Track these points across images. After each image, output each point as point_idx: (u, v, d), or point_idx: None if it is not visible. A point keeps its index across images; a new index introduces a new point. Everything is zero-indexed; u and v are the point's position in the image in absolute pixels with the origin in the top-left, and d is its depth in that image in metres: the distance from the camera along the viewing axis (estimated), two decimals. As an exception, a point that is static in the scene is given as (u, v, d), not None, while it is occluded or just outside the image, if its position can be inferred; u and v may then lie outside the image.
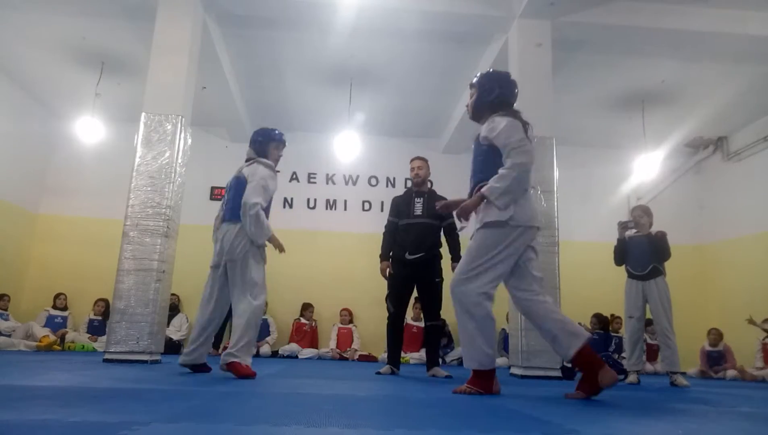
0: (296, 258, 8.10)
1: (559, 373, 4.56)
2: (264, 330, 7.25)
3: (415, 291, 4.43)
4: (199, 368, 3.55)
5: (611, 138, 8.43)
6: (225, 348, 5.39)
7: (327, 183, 8.58)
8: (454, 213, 2.90)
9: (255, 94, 7.55)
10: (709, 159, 8.55)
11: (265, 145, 3.63)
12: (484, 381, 2.62)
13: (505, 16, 5.41)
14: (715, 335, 7.10)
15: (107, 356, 4.32)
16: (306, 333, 7.57)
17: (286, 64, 6.72)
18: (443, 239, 4.41)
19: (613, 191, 8.63)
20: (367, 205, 8.43)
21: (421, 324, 6.04)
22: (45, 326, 6.95)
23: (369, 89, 7.22)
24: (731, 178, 8.20)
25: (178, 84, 4.94)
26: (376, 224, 4.59)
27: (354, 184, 8.59)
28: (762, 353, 6.75)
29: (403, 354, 6.18)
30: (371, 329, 7.53)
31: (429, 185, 4.56)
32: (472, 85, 3.03)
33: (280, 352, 7.27)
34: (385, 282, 4.45)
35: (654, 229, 4.74)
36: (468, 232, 2.91)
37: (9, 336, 6.50)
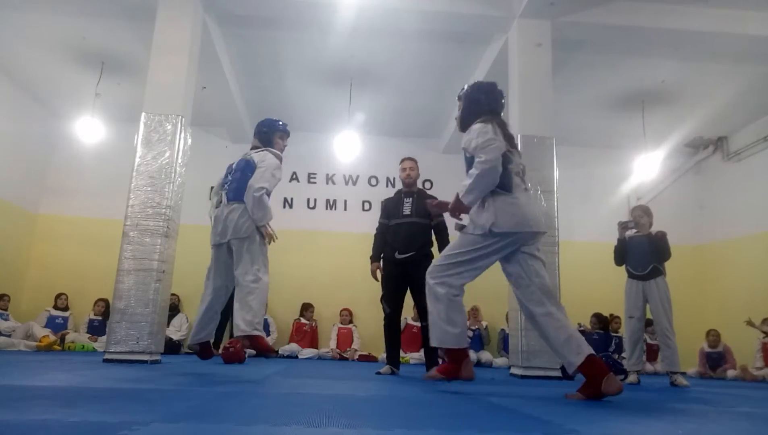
0: (296, 258, 8.14)
1: (559, 373, 4.55)
2: (264, 330, 7.24)
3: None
4: (205, 351, 3.58)
5: (611, 138, 8.43)
6: (225, 348, 5.42)
7: (327, 183, 8.58)
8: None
9: (255, 94, 7.54)
10: (709, 159, 8.55)
11: (270, 135, 3.69)
12: (453, 365, 2.74)
13: (505, 16, 5.41)
14: (714, 336, 7.08)
15: (107, 356, 4.32)
16: (306, 333, 7.57)
17: (286, 64, 6.72)
18: (434, 239, 4.42)
19: (613, 191, 8.63)
20: (367, 205, 8.43)
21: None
22: (46, 327, 6.94)
23: (369, 89, 7.22)
24: (731, 178, 8.20)
25: (178, 84, 4.93)
26: (376, 224, 4.60)
27: (354, 184, 8.59)
28: (762, 353, 6.74)
29: (402, 354, 6.19)
30: (371, 329, 7.52)
31: (430, 186, 4.57)
32: (459, 98, 3.07)
33: (280, 352, 7.28)
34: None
35: (654, 229, 4.74)
36: (452, 232, 3.01)
37: (9, 336, 6.50)
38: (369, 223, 8.09)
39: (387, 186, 8.51)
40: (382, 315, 4.42)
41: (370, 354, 7.39)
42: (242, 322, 3.33)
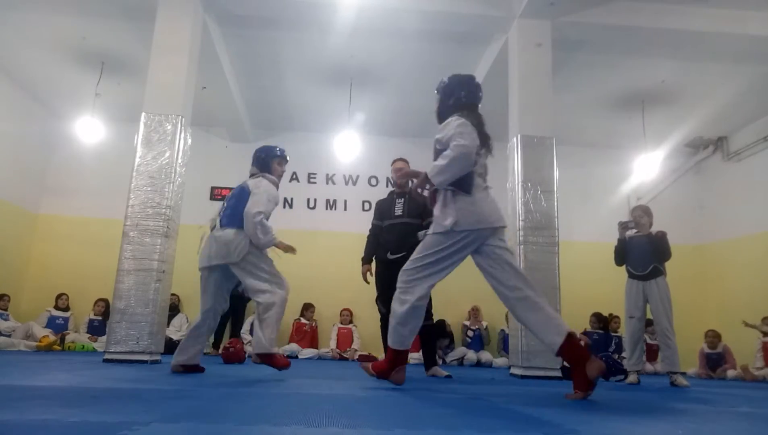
0: (296, 258, 8.03)
1: (559, 373, 4.55)
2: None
3: None
4: (191, 369, 3.56)
5: (611, 138, 8.43)
6: (225, 348, 5.42)
7: (327, 183, 8.58)
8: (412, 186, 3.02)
9: (255, 94, 7.54)
10: (709, 159, 8.55)
11: (268, 160, 3.68)
12: (388, 366, 2.87)
13: (505, 16, 5.41)
14: (713, 337, 7.06)
15: (107, 356, 4.32)
16: (306, 333, 7.58)
17: (286, 64, 6.72)
18: None
19: (613, 191, 8.63)
20: (367, 205, 8.43)
21: (421, 324, 6.03)
22: (46, 327, 6.94)
23: (369, 89, 7.22)
24: (731, 178, 8.20)
25: (178, 84, 4.94)
26: (372, 225, 4.61)
27: (354, 184, 8.59)
28: (762, 353, 6.74)
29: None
30: (371, 329, 7.50)
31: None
32: (437, 91, 3.10)
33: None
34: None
35: (654, 229, 4.74)
36: None
37: (9, 336, 6.50)
38: (369, 224, 8.12)
39: (387, 186, 8.50)
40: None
41: (370, 354, 7.39)
42: (263, 340, 3.34)
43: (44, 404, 1.82)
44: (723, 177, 8.36)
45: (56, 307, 7.30)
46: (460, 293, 7.79)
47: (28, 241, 7.83)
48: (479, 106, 3.04)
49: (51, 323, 7.09)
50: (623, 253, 4.79)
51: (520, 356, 4.58)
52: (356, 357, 7.35)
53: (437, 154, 2.82)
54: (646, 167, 7.74)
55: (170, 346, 6.38)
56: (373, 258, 4.48)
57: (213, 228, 3.58)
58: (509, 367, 5.01)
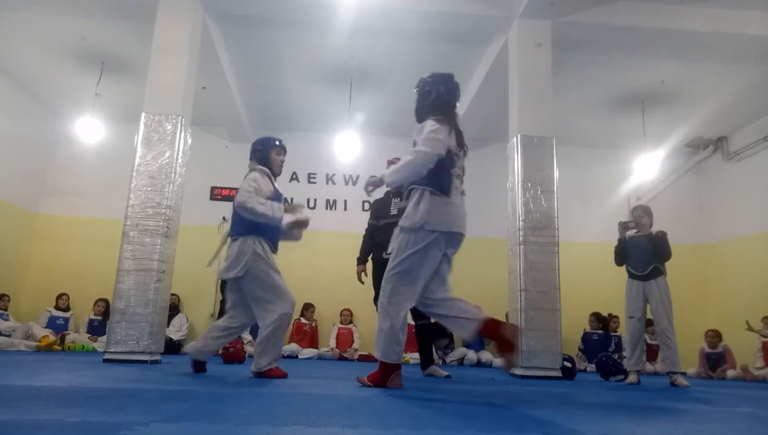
0: (296, 258, 8.12)
1: (559, 373, 4.55)
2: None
3: None
4: (198, 366, 3.56)
5: (611, 138, 8.42)
6: (225, 348, 5.41)
7: (327, 183, 8.59)
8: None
9: (255, 94, 7.54)
10: (709, 159, 8.55)
11: (266, 152, 3.65)
12: (383, 377, 2.84)
13: (505, 16, 5.41)
14: (713, 337, 7.06)
15: (107, 356, 4.32)
16: (306, 333, 7.58)
17: (286, 64, 6.72)
18: None
19: (613, 191, 8.63)
20: (367, 205, 8.42)
21: (421, 324, 6.03)
22: (47, 327, 6.94)
23: (369, 89, 7.22)
24: (731, 178, 8.19)
25: (178, 84, 4.94)
26: (372, 225, 4.61)
27: (354, 184, 8.59)
28: (762, 353, 6.74)
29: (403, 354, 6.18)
30: (371, 329, 7.48)
31: None
32: (416, 90, 3.11)
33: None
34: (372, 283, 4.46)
35: (654, 229, 4.74)
36: None
37: (9, 336, 6.50)
38: (369, 223, 8.14)
39: (387, 186, 8.51)
40: (382, 315, 4.42)
41: (370, 354, 7.38)
42: (259, 359, 3.33)
43: (44, 404, 1.82)
44: (723, 177, 8.36)
45: (57, 307, 7.31)
46: (460, 293, 7.77)
47: (28, 241, 7.83)
48: (457, 104, 3.06)
49: (51, 323, 7.09)
50: (623, 253, 4.79)
51: (520, 356, 4.57)
52: (357, 357, 7.35)
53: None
54: (646, 167, 7.74)
55: (170, 346, 6.41)
56: (369, 258, 4.48)
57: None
58: (509, 367, 5.00)
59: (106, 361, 4.28)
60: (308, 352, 7.30)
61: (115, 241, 4.73)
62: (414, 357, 6.97)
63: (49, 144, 8.11)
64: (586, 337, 7.56)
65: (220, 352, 5.61)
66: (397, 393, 2.70)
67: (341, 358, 7.35)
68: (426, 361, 4.40)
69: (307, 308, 7.64)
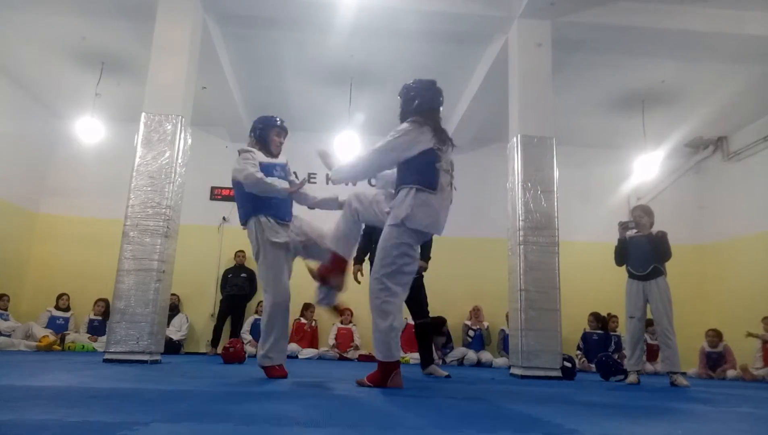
0: (296, 258, 8.14)
1: (559, 373, 4.55)
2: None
3: None
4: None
5: (611, 138, 8.42)
6: (225, 348, 5.42)
7: (327, 183, 8.58)
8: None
9: (255, 94, 7.54)
10: (709, 159, 8.55)
11: (266, 131, 3.66)
12: (383, 376, 2.85)
13: (505, 16, 5.41)
14: (714, 336, 7.06)
15: (107, 356, 4.32)
16: (306, 333, 7.58)
17: (286, 64, 6.72)
18: None
19: (613, 191, 8.63)
20: (367, 205, 8.42)
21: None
22: (47, 327, 6.94)
23: (369, 89, 7.22)
24: (731, 178, 8.20)
25: (178, 84, 4.94)
26: (374, 225, 4.59)
27: (354, 184, 8.57)
28: (762, 353, 6.74)
29: (402, 354, 6.19)
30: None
31: None
32: (399, 96, 3.15)
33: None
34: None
35: (654, 229, 4.74)
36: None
37: (9, 336, 6.50)
38: (369, 223, 8.13)
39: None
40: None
41: (370, 354, 7.39)
42: (260, 349, 3.35)
43: (44, 404, 1.82)
44: (723, 177, 8.36)
45: (57, 307, 7.31)
46: (460, 293, 7.81)
47: (28, 241, 7.83)
48: (440, 109, 3.09)
49: (51, 323, 7.09)
50: (623, 253, 4.78)
51: (520, 356, 4.58)
52: (357, 357, 7.35)
53: None
54: (646, 167, 7.73)
55: (170, 346, 6.40)
56: (366, 258, 4.47)
57: None
58: (509, 367, 5.01)
59: (106, 361, 4.28)
60: (308, 352, 7.30)
61: (115, 241, 4.73)
62: (414, 357, 6.97)
63: (49, 144, 8.11)
64: (585, 337, 7.56)
65: (220, 352, 5.61)
66: (397, 392, 2.70)
67: (341, 358, 7.35)
68: (426, 360, 4.40)
69: (307, 308, 7.63)
